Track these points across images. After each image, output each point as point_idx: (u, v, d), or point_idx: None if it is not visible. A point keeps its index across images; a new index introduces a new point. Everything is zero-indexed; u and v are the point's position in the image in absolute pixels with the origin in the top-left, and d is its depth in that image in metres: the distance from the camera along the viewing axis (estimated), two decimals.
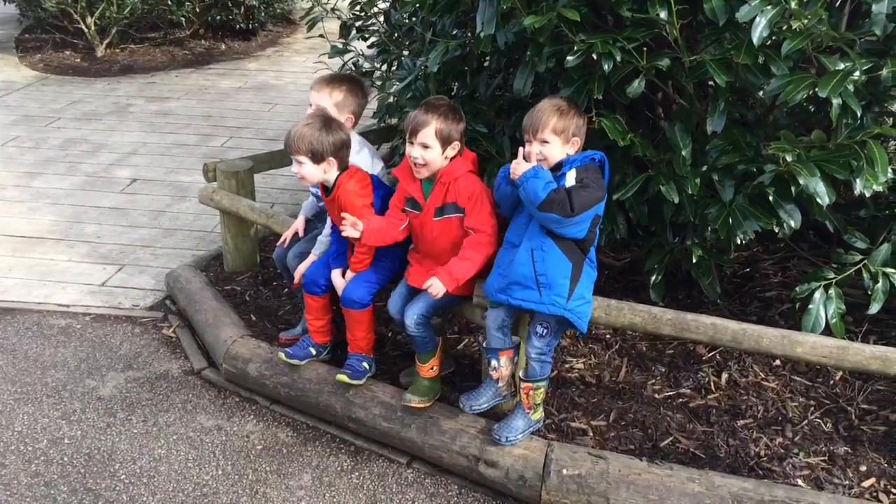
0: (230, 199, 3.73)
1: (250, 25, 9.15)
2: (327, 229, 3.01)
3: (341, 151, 2.77)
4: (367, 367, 2.90)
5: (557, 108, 2.48)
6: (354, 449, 2.88)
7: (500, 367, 2.65)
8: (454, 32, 3.27)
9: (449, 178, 2.63)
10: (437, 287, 2.58)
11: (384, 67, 3.93)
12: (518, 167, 2.44)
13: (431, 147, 2.59)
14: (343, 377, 2.83)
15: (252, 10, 9.07)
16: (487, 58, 3.34)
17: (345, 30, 4.17)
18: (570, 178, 2.45)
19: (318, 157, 2.73)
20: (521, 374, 2.64)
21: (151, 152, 5.83)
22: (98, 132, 6.22)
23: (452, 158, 2.65)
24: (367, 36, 4.21)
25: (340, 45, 3.97)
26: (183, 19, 8.69)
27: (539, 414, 2.68)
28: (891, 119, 2.78)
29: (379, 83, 4.06)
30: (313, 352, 3.03)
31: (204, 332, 3.42)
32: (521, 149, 2.51)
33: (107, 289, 3.98)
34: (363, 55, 4.00)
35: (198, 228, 4.63)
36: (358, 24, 4.18)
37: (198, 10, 8.75)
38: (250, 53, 8.86)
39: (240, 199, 3.71)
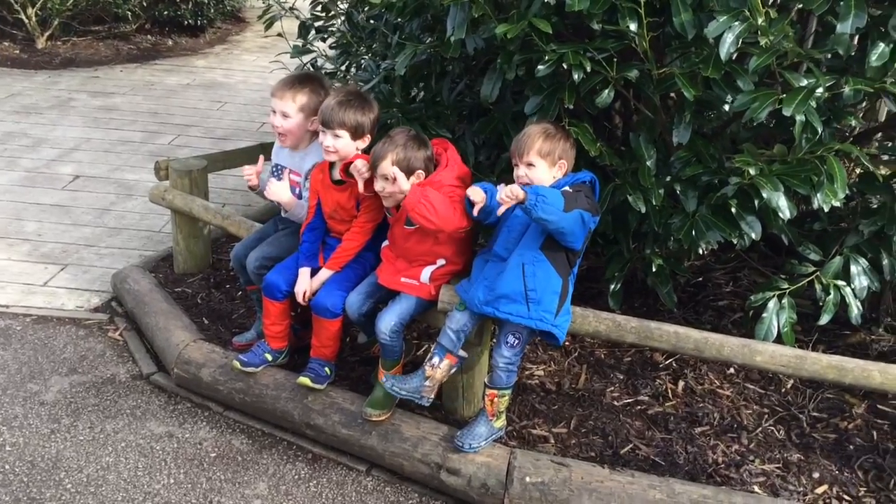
0: (183, 199, 3.62)
1: (198, 22, 8.96)
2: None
3: (375, 128, 2.81)
4: (329, 372, 2.85)
5: (544, 132, 2.49)
6: (312, 456, 2.82)
7: (438, 367, 2.60)
8: (419, 35, 3.24)
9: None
10: (401, 183, 2.51)
11: (344, 67, 3.88)
12: (512, 190, 2.32)
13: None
14: (305, 380, 2.77)
15: (200, 6, 8.88)
16: (452, 64, 3.32)
17: (304, 30, 4.11)
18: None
19: (359, 133, 2.74)
20: (486, 380, 2.63)
21: (95, 148, 5.64)
22: (38, 126, 5.99)
23: (434, 172, 2.64)
24: (325, 37, 4.15)
25: (303, 46, 3.90)
26: (129, 13, 8.45)
27: (502, 422, 2.67)
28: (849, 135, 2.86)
29: (339, 84, 4.01)
30: (269, 357, 2.96)
31: (154, 335, 3.31)
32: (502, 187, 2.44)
33: (49, 289, 3.83)
34: (325, 55, 3.94)
35: (145, 228, 4.49)
36: (318, 24, 4.12)
37: (144, 4, 8.52)
38: (198, 50, 8.67)
39: (193, 199, 3.61)
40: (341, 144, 2.73)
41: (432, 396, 2.65)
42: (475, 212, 2.49)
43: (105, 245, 4.28)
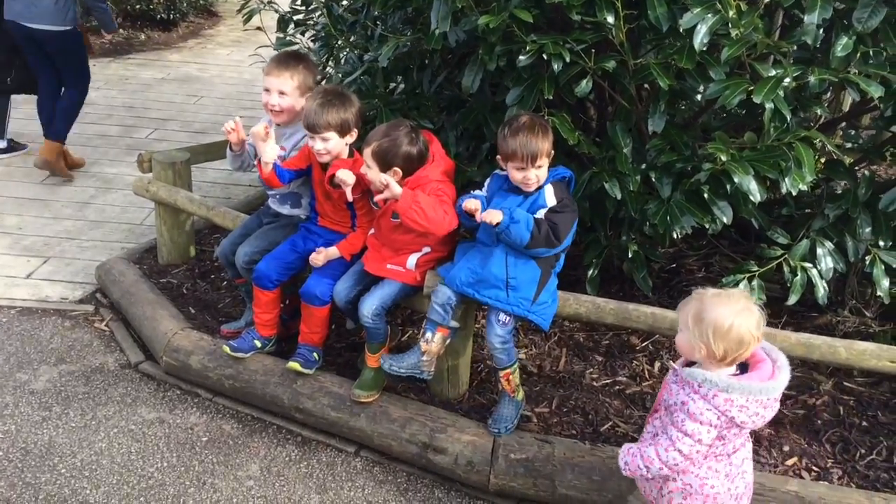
0: (167, 191, 3.66)
1: (171, 16, 8.92)
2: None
3: (360, 121, 2.86)
4: (317, 357, 2.92)
5: (542, 133, 2.51)
6: (301, 439, 2.89)
7: (432, 341, 2.68)
8: (400, 28, 3.32)
9: (414, 185, 2.66)
10: (393, 189, 2.55)
11: (325, 59, 3.93)
12: (490, 216, 2.45)
13: (371, 167, 2.65)
14: (295, 365, 2.84)
15: (173, 0, 8.85)
16: (430, 56, 3.40)
17: (283, 23, 4.16)
18: (550, 196, 2.55)
19: (345, 130, 2.78)
20: (494, 365, 2.71)
21: (72, 143, 5.58)
22: (13, 121, 5.94)
23: (419, 168, 2.69)
24: (304, 30, 4.20)
25: (285, 38, 3.95)
26: None
27: (521, 393, 2.77)
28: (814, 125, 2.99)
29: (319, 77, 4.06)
30: (258, 344, 3.02)
31: (141, 325, 3.35)
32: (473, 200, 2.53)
33: (32, 281, 3.85)
34: (308, 48, 3.99)
35: (125, 221, 4.51)
36: (296, 17, 4.17)
37: None
38: (171, 44, 8.64)
39: (177, 191, 3.65)
40: (331, 146, 2.78)
41: (433, 370, 2.73)
42: (478, 218, 2.55)
43: (87, 238, 4.30)
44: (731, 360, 1.95)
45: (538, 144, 2.50)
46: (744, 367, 2.01)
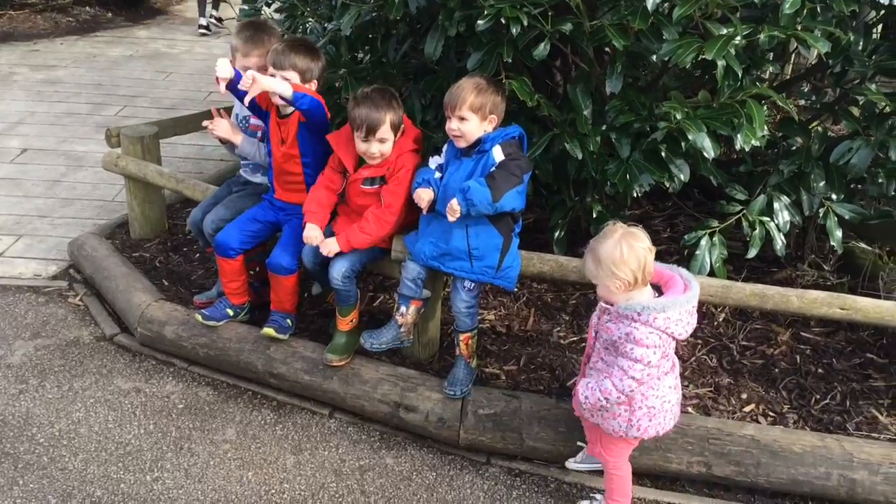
0: (136, 165, 3.68)
1: None
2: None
3: (323, 77, 2.95)
4: (291, 323, 2.98)
5: (476, 86, 2.54)
6: (276, 403, 2.95)
7: (408, 314, 2.77)
8: None
9: (398, 153, 2.72)
10: (331, 246, 2.73)
11: (290, 30, 3.95)
12: (450, 212, 2.48)
13: (388, 139, 2.69)
14: (269, 330, 2.89)
15: None
16: (396, 25, 3.43)
17: None
18: (498, 154, 2.56)
19: (307, 77, 2.85)
20: (455, 327, 2.79)
21: (41, 122, 5.60)
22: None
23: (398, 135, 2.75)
24: (270, 2, 4.21)
25: (250, 10, 3.96)
26: None
27: (475, 361, 2.85)
28: (766, 82, 3.05)
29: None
30: (230, 313, 3.07)
31: (115, 298, 3.39)
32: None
33: (5, 259, 3.86)
34: (272, 18, 4.00)
35: (97, 198, 4.52)
36: None
37: None
38: (139, 21, 8.56)
39: (147, 165, 3.67)
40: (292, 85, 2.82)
41: (411, 338, 2.84)
42: (425, 210, 2.64)
43: (58, 215, 4.30)
44: (643, 280, 2.15)
45: (461, 94, 2.53)
46: (658, 290, 2.23)
